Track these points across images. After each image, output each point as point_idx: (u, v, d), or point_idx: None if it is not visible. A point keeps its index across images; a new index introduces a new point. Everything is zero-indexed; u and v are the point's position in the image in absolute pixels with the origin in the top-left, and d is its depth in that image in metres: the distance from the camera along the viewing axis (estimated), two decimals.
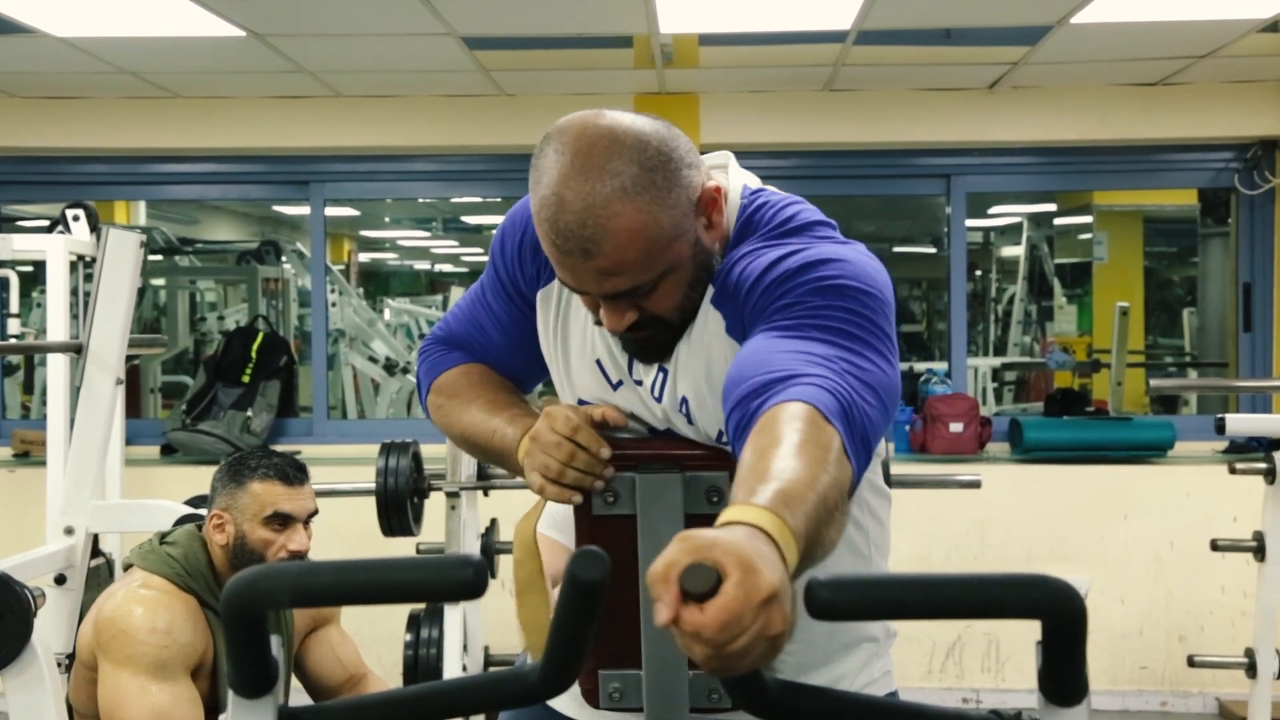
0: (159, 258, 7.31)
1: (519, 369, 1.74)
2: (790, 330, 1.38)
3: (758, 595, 1.00)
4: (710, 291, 1.52)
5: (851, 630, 1.65)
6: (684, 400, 1.55)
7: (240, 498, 2.81)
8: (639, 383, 1.60)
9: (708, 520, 1.45)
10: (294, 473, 2.86)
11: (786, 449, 1.21)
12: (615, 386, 1.61)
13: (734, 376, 1.37)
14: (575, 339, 1.63)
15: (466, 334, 1.74)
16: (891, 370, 1.40)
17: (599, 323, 1.53)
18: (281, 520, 2.82)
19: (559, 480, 1.50)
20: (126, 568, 2.87)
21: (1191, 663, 4.22)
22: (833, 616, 1.03)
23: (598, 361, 1.62)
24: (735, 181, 1.58)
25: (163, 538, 2.87)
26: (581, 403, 1.63)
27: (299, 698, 2.62)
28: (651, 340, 1.54)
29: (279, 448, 5.23)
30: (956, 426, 5.20)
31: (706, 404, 1.53)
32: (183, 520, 3.24)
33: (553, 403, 1.58)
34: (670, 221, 1.43)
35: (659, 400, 1.58)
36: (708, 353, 1.52)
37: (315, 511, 2.90)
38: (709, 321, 1.52)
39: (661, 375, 1.57)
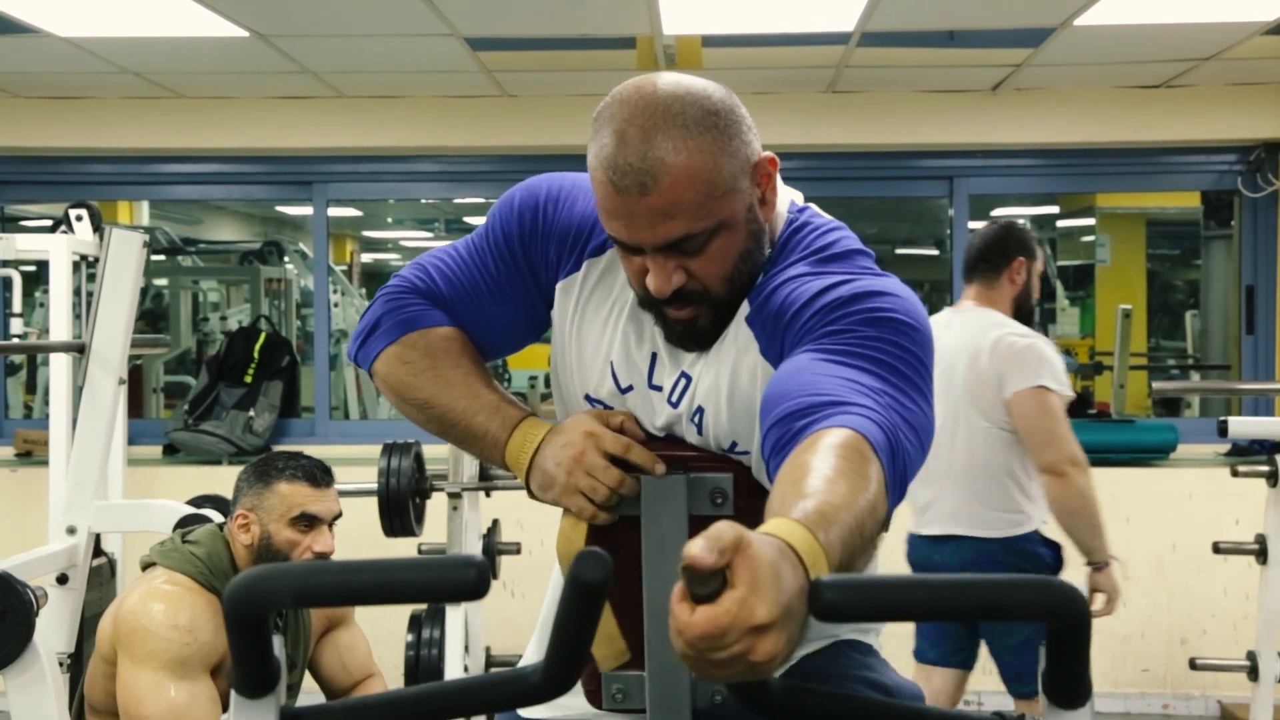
0: (161, 258, 7.31)
1: (497, 343, 1.68)
2: (839, 356, 1.37)
3: (750, 621, 0.98)
4: (746, 309, 1.51)
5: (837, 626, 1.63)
6: (699, 410, 1.53)
7: (267, 498, 2.82)
8: (657, 388, 1.57)
9: (708, 520, 1.45)
10: (321, 475, 2.87)
11: (830, 471, 1.19)
12: (624, 390, 1.59)
13: (777, 393, 1.35)
14: (592, 336, 1.61)
15: (457, 300, 1.64)
16: (931, 412, 1.39)
17: (643, 300, 1.51)
18: (308, 521, 2.82)
19: (606, 505, 1.47)
20: (146, 566, 2.87)
21: (1193, 665, 4.21)
22: (837, 618, 1.02)
23: (610, 363, 1.59)
24: (783, 195, 1.57)
25: (185, 536, 2.87)
26: (589, 398, 1.61)
27: (316, 698, 2.62)
28: (695, 322, 1.50)
29: (281, 448, 5.24)
30: None
31: (722, 417, 1.52)
32: (185, 520, 3.24)
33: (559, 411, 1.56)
34: (729, 170, 1.43)
35: (674, 406, 1.56)
36: (733, 368, 1.51)
37: (339, 514, 2.91)
38: (739, 337, 1.51)
39: (684, 381, 1.55)
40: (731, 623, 0.98)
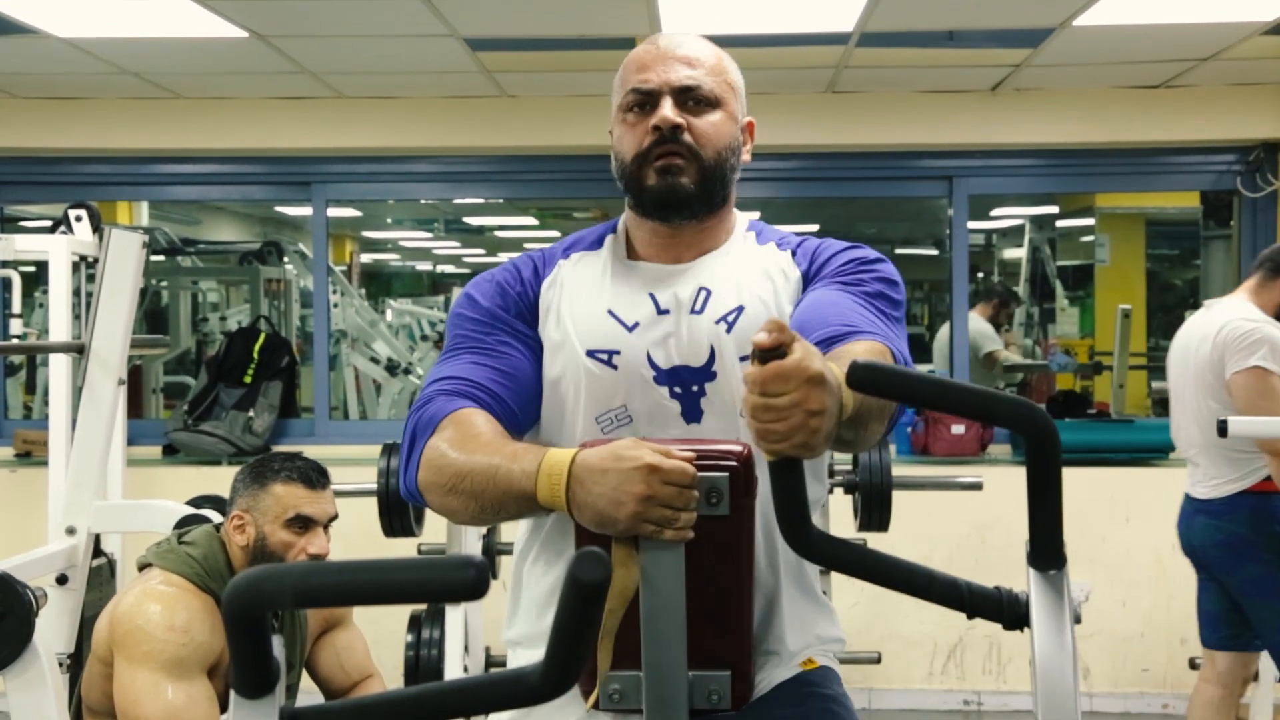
0: (161, 258, 7.31)
1: (521, 397, 1.70)
2: (863, 300, 1.69)
3: (808, 371, 1.25)
4: (745, 234, 1.81)
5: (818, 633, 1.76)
6: (738, 309, 1.70)
7: (262, 499, 2.82)
8: (665, 311, 1.71)
9: (708, 520, 1.46)
10: (317, 476, 2.87)
11: (854, 355, 1.41)
12: (631, 329, 1.70)
13: (816, 317, 1.64)
14: (581, 301, 1.74)
15: (466, 372, 1.69)
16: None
17: (637, 157, 1.71)
18: (303, 523, 2.82)
19: (681, 528, 1.47)
20: (142, 567, 2.87)
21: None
22: (866, 389, 1.25)
23: (610, 311, 1.71)
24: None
25: (180, 537, 2.87)
26: (590, 353, 1.68)
27: (314, 698, 2.62)
28: (679, 177, 1.70)
29: (280, 448, 5.24)
30: (958, 428, 5.21)
31: (758, 314, 1.70)
32: (184, 521, 3.24)
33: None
34: (736, 83, 1.77)
35: (698, 313, 1.70)
36: (761, 281, 1.75)
37: (335, 516, 2.90)
38: (752, 252, 1.79)
39: (705, 294, 1.72)
40: (794, 368, 1.25)
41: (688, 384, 1.68)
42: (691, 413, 1.67)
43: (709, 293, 1.72)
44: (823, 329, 1.60)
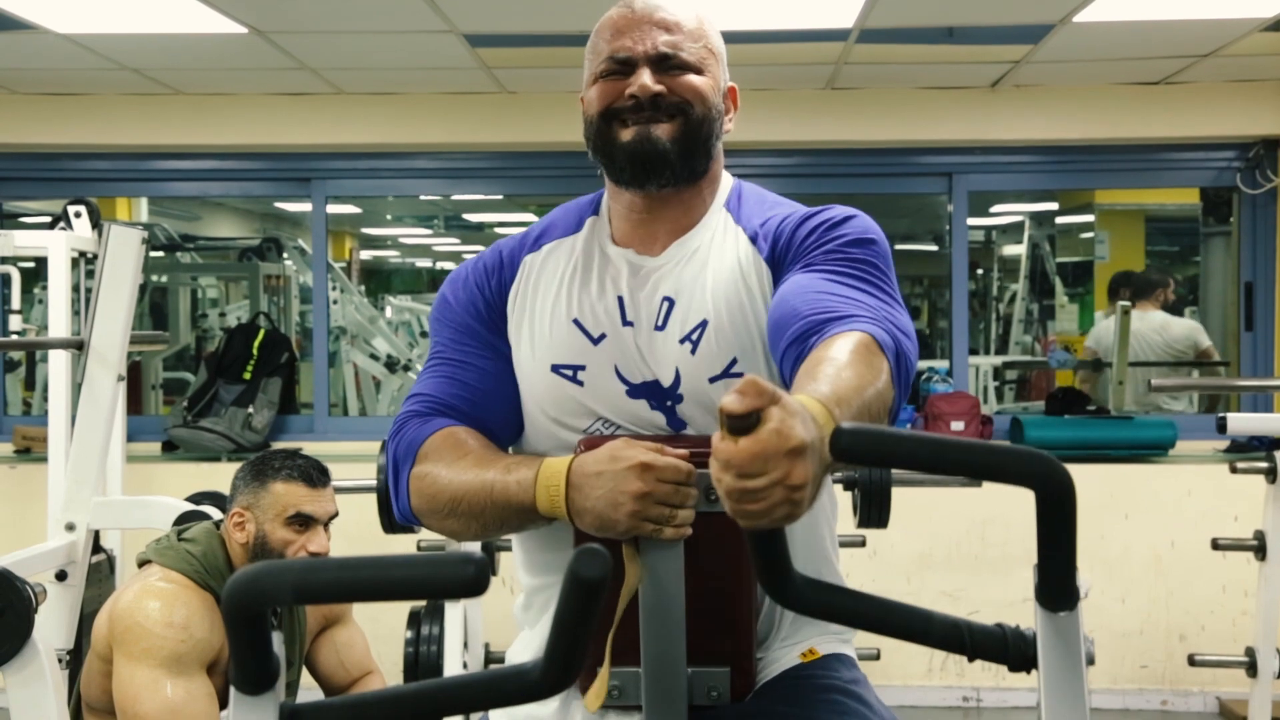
0: (160, 254, 7.31)
1: (500, 412, 1.68)
2: (838, 276, 1.54)
3: (789, 441, 1.10)
4: (721, 208, 1.69)
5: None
6: (701, 324, 1.60)
7: (263, 497, 2.81)
8: (629, 324, 1.62)
9: (708, 517, 1.46)
10: (317, 475, 2.87)
11: (840, 363, 1.34)
12: (596, 341, 1.63)
13: (788, 312, 1.50)
14: (547, 306, 1.67)
15: (440, 390, 1.67)
16: (910, 319, 1.56)
17: (605, 114, 1.62)
18: (303, 521, 2.82)
19: (680, 525, 1.46)
20: (142, 564, 2.87)
21: (1192, 662, 4.22)
22: (853, 459, 1.11)
23: (575, 321, 1.64)
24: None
25: (180, 534, 2.87)
26: (555, 368, 1.63)
27: (314, 695, 2.62)
28: (657, 138, 1.60)
29: (280, 445, 5.24)
30: (958, 425, 5.20)
31: (724, 329, 1.59)
32: (183, 517, 3.24)
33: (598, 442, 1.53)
34: (716, 46, 1.68)
35: (661, 329, 1.61)
36: (728, 279, 1.62)
37: (336, 514, 2.90)
38: (723, 234, 1.66)
39: (667, 305, 1.62)
40: (771, 446, 1.10)
41: (662, 399, 1.62)
42: (676, 425, 1.62)
43: (672, 304, 1.62)
44: (796, 323, 1.47)
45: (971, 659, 1.25)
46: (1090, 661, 1.21)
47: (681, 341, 1.60)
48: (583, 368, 1.63)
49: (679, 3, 1.66)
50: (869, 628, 1.26)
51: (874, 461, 1.16)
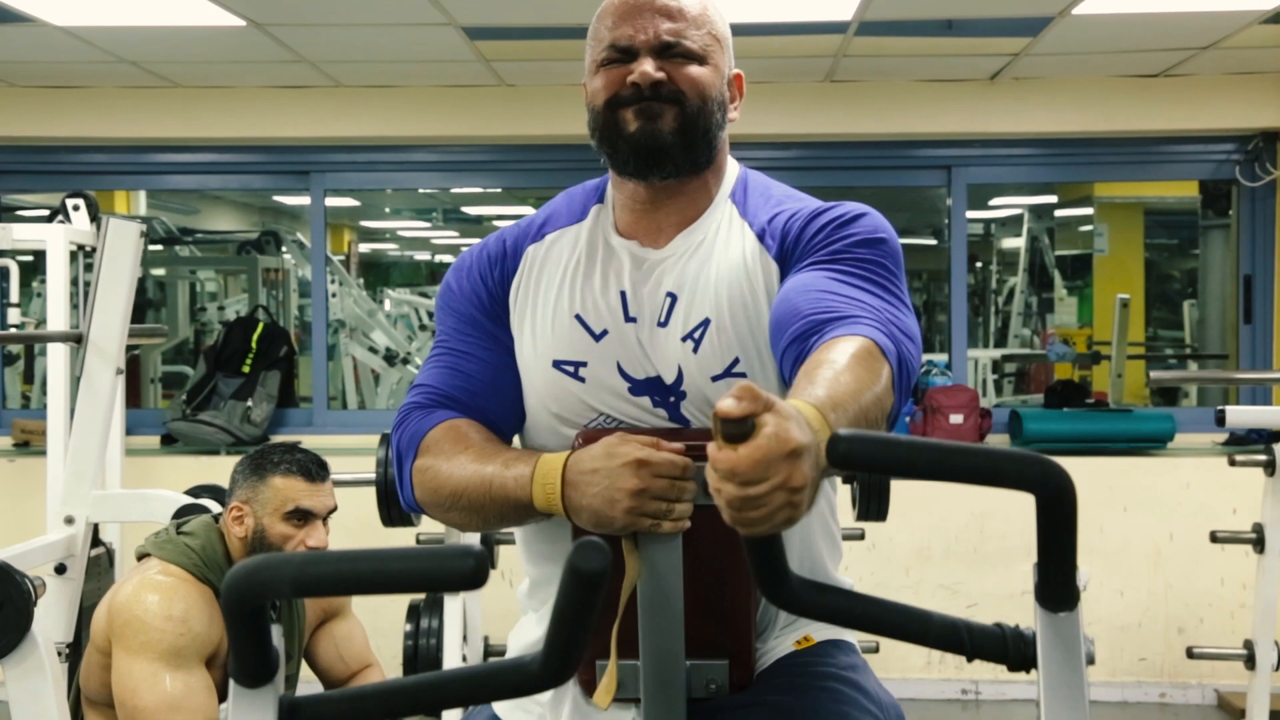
0: (159, 248, 7.31)
1: (502, 404, 1.67)
2: (843, 276, 1.52)
3: (786, 447, 1.10)
4: (727, 201, 1.66)
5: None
6: (704, 323, 1.58)
7: (261, 491, 2.81)
8: (632, 319, 1.61)
9: (707, 510, 1.46)
10: (316, 469, 2.86)
11: (838, 367, 1.33)
12: (599, 337, 1.62)
13: (789, 310, 1.49)
14: (549, 300, 1.65)
15: (443, 381, 1.67)
16: (914, 317, 1.55)
17: (610, 102, 1.60)
18: (301, 516, 2.82)
19: (677, 519, 1.46)
20: (141, 557, 2.86)
21: (1190, 654, 4.22)
22: (851, 465, 1.11)
23: (577, 316, 1.63)
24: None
25: (179, 527, 2.87)
26: (557, 364, 1.62)
27: (314, 687, 2.62)
28: (659, 126, 1.58)
29: (279, 438, 5.24)
30: (957, 418, 5.20)
31: (726, 328, 1.58)
32: (182, 510, 3.24)
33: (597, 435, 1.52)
34: (722, 33, 1.67)
35: (664, 325, 1.60)
36: (730, 276, 1.60)
37: (334, 508, 2.90)
38: (728, 227, 1.64)
39: (670, 300, 1.61)
40: (772, 448, 1.09)
41: (665, 395, 1.61)
42: (679, 422, 1.61)
43: (675, 299, 1.61)
44: (796, 323, 1.47)
45: (971, 659, 1.24)
46: (1090, 661, 1.20)
47: (683, 340, 1.59)
48: (584, 364, 1.62)
49: None
50: (867, 629, 1.26)
51: (871, 468, 1.16)
